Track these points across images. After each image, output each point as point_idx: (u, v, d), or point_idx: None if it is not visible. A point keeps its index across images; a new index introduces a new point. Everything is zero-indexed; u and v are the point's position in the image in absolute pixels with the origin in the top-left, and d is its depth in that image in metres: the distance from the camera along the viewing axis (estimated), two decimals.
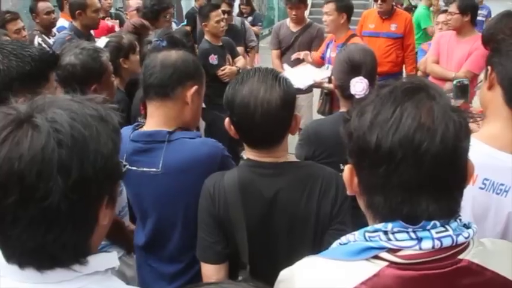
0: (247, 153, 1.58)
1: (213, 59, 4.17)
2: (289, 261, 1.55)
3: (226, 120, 1.57)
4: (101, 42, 2.93)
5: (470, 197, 1.38)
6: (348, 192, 1.01)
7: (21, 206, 0.81)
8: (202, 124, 3.94)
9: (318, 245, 1.52)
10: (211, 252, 1.56)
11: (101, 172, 0.86)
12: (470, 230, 0.92)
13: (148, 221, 1.84)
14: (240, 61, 4.40)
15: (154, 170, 1.71)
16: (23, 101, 0.91)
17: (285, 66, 4.19)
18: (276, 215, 1.52)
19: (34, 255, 0.85)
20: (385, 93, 0.91)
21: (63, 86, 2.05)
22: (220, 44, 4.27)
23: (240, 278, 1.53)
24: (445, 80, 3.90)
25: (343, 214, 1.52)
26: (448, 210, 0.90)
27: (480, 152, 1.36)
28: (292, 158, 1.68)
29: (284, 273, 1.04)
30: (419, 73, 4.57)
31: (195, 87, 1.74)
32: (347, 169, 0.97)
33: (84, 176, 0.83)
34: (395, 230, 0.89)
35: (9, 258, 0.87)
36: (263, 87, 1.45)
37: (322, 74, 3.65)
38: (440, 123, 0.85)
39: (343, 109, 2.16)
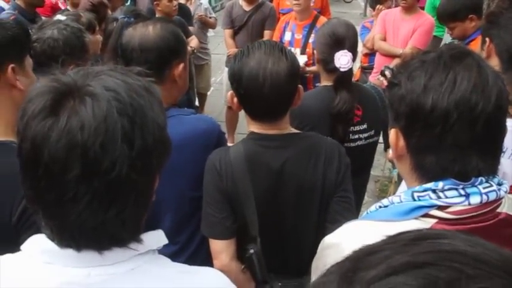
0: (252, 127, 1.58)
1: None
2: (296, 230, 1.59)
3: (230, 93, 1.55)
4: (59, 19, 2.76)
5: None
6: (391, 157, 1.04)
7: (83, 181, 0.75)
8: None
9: (323, 213, 1.56)
10: (220, 228, 1.55)
11: (159, 142, 0.83)
12: (505, 185, 0.99)
13: None
14: (193, 41, 4.33)
15: None
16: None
17: None
18: (283, 185, 1.53)
19: (94, 235, 0.80)
20: (432, 58, 0.95)
21: (37, 62, 1.92)
22: None
23: (251, 251, 1.54)
24: (393, 56, 4.06)
25: (346, 181, 1.57)
26: (493, 167, 0.96)
27: None
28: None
29: (330, 240, 1.06)
30: (365, 50, 4.69)
31: (181, 66, 1.65)
32: (393, 132, 1.00)
33: (146, 145, 0.79)
34: (446, 187, 0.94)
35: (63, 242, 0.80)
36: (271, 59, 1.45)
37: (301, 59, 3.57)
38: (493, 84, 0.90)
39: (325, 83, 2.19)
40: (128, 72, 0.88)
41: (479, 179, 0.94)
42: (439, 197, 0.94)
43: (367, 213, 1.08)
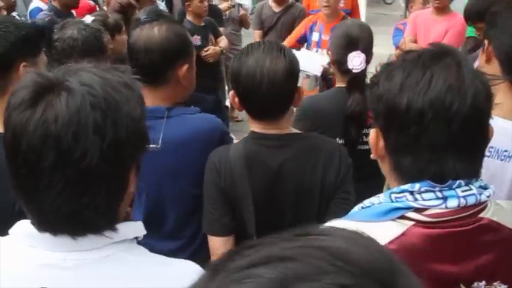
0: (252, 126, 1.58)
1: (196, 40, 4.12)
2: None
3: (231, 92, 1.57)
4: (86, 20, 2.86)
5: None
6: (372, 156, 1.02)
7: (57, 169, 0.81)
8: None
9: (322, 214, 1.54)
10: (218, 225, 1.56)
11: (132, 135, 0.87)
12: (490, 190, 0.95)
13: (147, 198, 1.83)
14: (223, 41, 4.37)
15: (153, 146, 1.70)
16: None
17: (293, 51, 4.10)
18: (281, 186, 1.53)
19: (68, 221, 0.85)
20: (412, 57, 0.93)
21: (58, 60, 2.00)
22: (203, 24, 4.22)
23: None
24: None
25: (347, 183, 1.55)
26: (473, 170, 0.93)
27: None
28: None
29: None
30: (399, 53, 4.60)
31: (185, 67, 1.67)
32: (373, 132, 0.99)
33: (118, 137, 0.84)
34: (422, 189, 0.91)
35: (41, 226, 0.86)
36: (269, 58, 1.46)
37: (324, 58, 3.57)
38: (470, 84, 0.88)
39: (339, 84, 2.17)
40: (109, 69, 0.93)
41: (458, 182, 0.91)
42: (416, 199, 0.92)
43: (349, 213, 1.07)
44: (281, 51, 1.48)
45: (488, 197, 0.94)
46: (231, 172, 1.53)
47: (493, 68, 1.47)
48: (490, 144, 1.40)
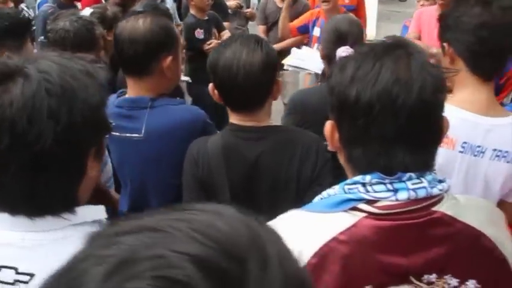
0: (231, 118, 1.60)
1: (199, 34, 4.15)
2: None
3: (210, 85, 1.58)
4: (85, 12, 2.89)
5: (451, 161, 1.42)
6: (329, 148, 1.03)
7: (12, 151, 0.85)
8: (188, 100, 3.93)
9: (299, 207, 1.55)
10: None
11: (88, 121, 0.90)
12: (444, 184, 0.95)
13: (131, 187, 1.86)
14: (226, 35, 4.36)
15: (136, 135, 1.72)
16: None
17: (294, 49, 4.11)
18: (258, 178, 1.54)
19: (25, 202, 0.88)
20: (365, 50, 0.94)
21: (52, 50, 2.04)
22: (206, 18, 4.24)
23: None
24: (429, 56, 3.93)
25: (323, 177, 1.55)
26: (423, 163, 0.93)
27: (456, 116, 1.40)
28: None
29: None
30: None
31: (169, 59, 1.69)
32: (328, 124, 0.99)
33: (73, 123, 0.87)
34: (373, 181, 0.92)
35: (0, 207, 0.89)
36: (245, 50, 1.47)
37: None
38: (417, 77, 0.88)
39: None
40: (73, 58, 0.97)
41: (408, 174, 0.91)
42: (367, 191, 0.93)
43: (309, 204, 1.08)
44: (258, 44, 1.49)
45: (441, 190, 0.93)
46: (208, 162, 1.55)
47: (458, 68, 1.48)
48: (463, 140, 1.41)
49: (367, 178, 0.92)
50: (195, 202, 1.45)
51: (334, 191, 0.99)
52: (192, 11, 4.22)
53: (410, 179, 0.91)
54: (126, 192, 1.92)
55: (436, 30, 4.32)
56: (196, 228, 0.37)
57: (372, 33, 7.02)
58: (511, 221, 1.66)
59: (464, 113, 1.41)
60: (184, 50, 4.14)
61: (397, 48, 0.92)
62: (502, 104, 2.60)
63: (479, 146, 1.40)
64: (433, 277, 0.94)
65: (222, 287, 0.34)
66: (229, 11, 5.29)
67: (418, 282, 0.94)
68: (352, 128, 0.92)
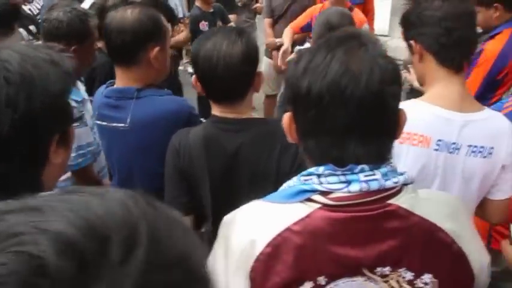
0: (213, 110, 1.61)
1: (204, 26, 4.16)
2: None
3: (193, 77, 1.59)
4: (86, 3, 2.93)
5: (427, 159, 1.42)
6: (289, 140, 1.04)
7: None
8: (194, 91, 3.94)
9: None
10: (176, 204, 1.60)
11: (49, 108, 0.92)
12: (401, 177, 0.95)
13: (119, 176, 1.89)
14: None
15: (122, 125, 1.75)
16: None
17: (298, 47, 4.08)
18: (238, 169, 1.55)
19: None
20: (321, 42, 0.94)
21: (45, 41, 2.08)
22: (211, 10, 4.26)
23: (202, 230, 1.58)
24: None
25: (302, 169, 1.55)
26: (377, 155, 0.93)
27: (430, 113, 1.40)
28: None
29: (227, 217, 1.08)
30: None
31: (156, 49, 1.73)
32: (286, 116, 1.00)
33: (32, 110, 0.89)
34: (326, 172, 0.93)
35: None
36: (226, 42, 1.48)
37: None
38: (365, 68, 0.87)
39: None
40: (39, 47, 1.00)
41: (360, 166, 0.91)
42: (321, 182, 0.94)
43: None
44: (239, 36, 1.50)
45: (396, 183, 0.93)
46: (189, 152, 1.57)
47: (428, 64, 1.47)
48: (438, 138, 1.40)
49: (320, 169, 0.93)
50: (176, 192, 1.47)
51: (293, 182, 1.00)
52: (197, 3, 4.24)
53: (362, 171, 0.91)
54: (115, 181, 1.96)
55: None
56: (72, 208, 0.39)
57: (385, 27, 6.91)
58: (496, 218, 1.65)
59: (437, 109, 1.40)
60: (189, 43, 4.17)
61: (350, 39, 0.92)
62: (500, 100, 2.58)
63: (454, 143, 1.39)
64: (386, 270, 0.94)
65: (76, 264, 0.35)
66: (239, 4, 5.30)
67: (371, 275, 0.94)
68: (305, 120, 0.93)
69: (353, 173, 0.91)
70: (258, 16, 5.64)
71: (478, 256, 0.99)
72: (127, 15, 1.72)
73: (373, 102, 0.88)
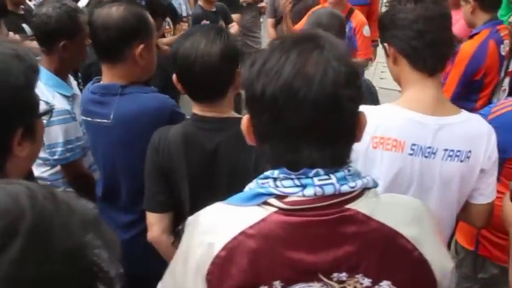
0: (194, 109, 1.61)
1: None
2: None
3: (174, 75, 1.59)
4: (83, 1, 2.94)
5: (402, 164, 1.39)
6: (248, 142, 1.02)
7: None
8: None
9: None
10: (154, 201, 1.61)
11: (10, 102, 0.93)
12: (359, 181, 0.93)
13: (103, 171, 1.90)
14: (234, 27, 4.38)
15: (106, 121, 1.76)
16: None
17: None
18: (216, 167, 1.55)
19: None
20: (276, 43, 0.92)
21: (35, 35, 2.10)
22: (214, 9, 4.25)
23: (179, 227, 1.58)
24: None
25: None
26: (334, 159, 0.91)
27: (404, 117, 1.38)
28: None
29: (191, 218, 1.07)
30: None
31: (141, 47, 1.74)
32: (244, 119, 0.99)
33: None
34: (281, 176, 0.91)
35: None
36: (204, 41, 1.48)
37: None
38: (318, 70, 0.85)
39: None
40: (3, 42, 1.03)
41: (315, 170, 0.89)
42: (277, 186, 0.92)
43: None
44: (218, 35, 1.49)
45: (353, 187, 0.91)
46: (168, 148, 1.57)
47: (401, 67, 1.46)
48: (412, 142, 1.38)
49: (276, 173, 0.92)
50: (154, 188, 1.47)
51: (253, 185, 0.99)
52: (200, 2, 4.24)
53: (317, 175, 0.90)
54: (101, 176, 1.97)
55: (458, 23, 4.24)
56: None
57: None
58: (480, 223, 1.62)
59: (411, 113, 1.38)
60: None
61: (305, 41, 0.90)
62: (490, 103, 2.54)
63: (429, 147, 1.37)
64: (343, 275, 0.93)
65: None
66: (244, 3, 5.28)
67: (327, 280, 0.93)
68: (260, 123, 0.92)
69: (307, 177, 0.90)
70: (263, 16, 5.62)
71: (440, 262, 0.97)
72: (112, 12, 1.73)
73: (327, 105, 0.86)
